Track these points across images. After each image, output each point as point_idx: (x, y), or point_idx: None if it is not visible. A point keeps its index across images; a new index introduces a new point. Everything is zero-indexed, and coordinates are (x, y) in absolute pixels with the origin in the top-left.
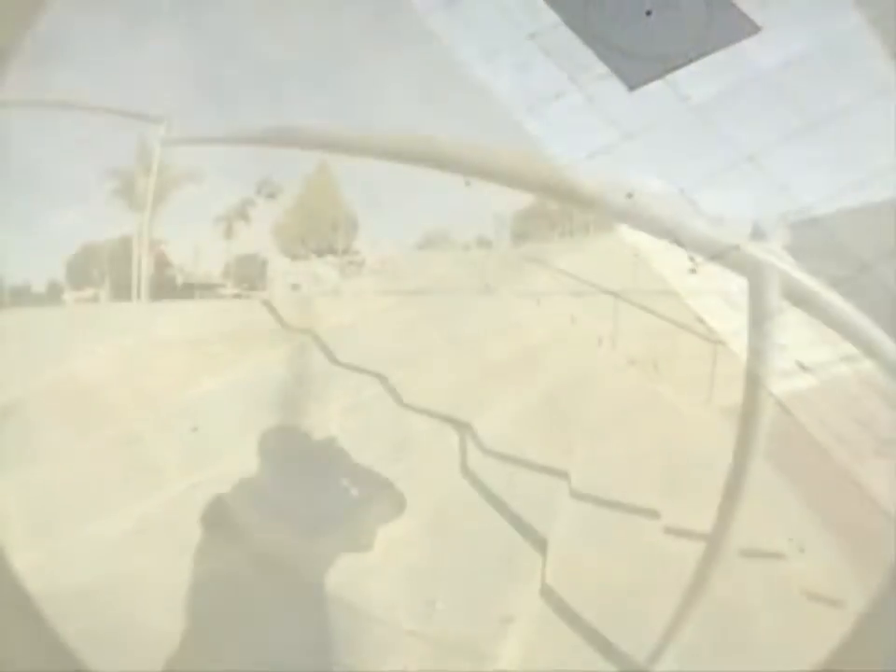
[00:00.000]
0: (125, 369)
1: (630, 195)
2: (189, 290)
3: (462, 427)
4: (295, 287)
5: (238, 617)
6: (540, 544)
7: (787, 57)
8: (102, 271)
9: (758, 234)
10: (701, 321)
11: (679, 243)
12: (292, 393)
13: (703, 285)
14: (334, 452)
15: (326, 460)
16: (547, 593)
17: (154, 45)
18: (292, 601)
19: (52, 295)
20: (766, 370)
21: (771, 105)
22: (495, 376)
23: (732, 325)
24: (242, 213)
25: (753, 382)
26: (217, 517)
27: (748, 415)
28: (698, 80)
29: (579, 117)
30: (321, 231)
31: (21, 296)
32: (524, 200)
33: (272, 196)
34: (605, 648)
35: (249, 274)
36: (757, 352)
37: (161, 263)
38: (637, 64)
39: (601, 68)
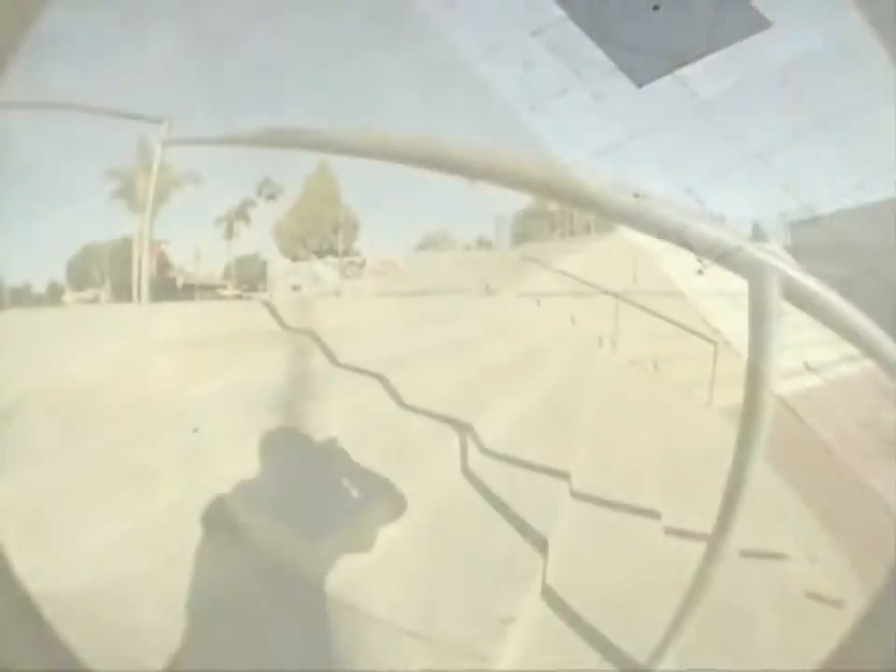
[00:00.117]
0: (125, 370)
1: (637, 195)
2: (190, 291)
3: (463, 427)
4: (295, 287)
5: (238, 618)
6: (541, 545)
7: (798, 54)
8: (102, 272)
9: (758, 235)
10: (706, 322)
11: (686, 244)
12: (292, 394)
13: (710, 286)
14: (334, 453)
15: (326, 461)
16: (548, 593)
17: (154, 45)
18: (292, 602)
19: (53, 296)
20: (768, 370)
21: (780, 102)
22: (495, 377)
23: (736, 326)
24: (242, 214)
25: (754, 382)
26: (218, 518)
27: (748, 415)
28: (707, 76)
29: (584, 114)
30: (322, 232)
31: (22, 297)
32: (524, 201)
33: (272, 197)
34: (606, 648)
35: (250, 275)
36: (758, 352)
37: (162, 264)
38: (644, 60)
39: (608, 64)
